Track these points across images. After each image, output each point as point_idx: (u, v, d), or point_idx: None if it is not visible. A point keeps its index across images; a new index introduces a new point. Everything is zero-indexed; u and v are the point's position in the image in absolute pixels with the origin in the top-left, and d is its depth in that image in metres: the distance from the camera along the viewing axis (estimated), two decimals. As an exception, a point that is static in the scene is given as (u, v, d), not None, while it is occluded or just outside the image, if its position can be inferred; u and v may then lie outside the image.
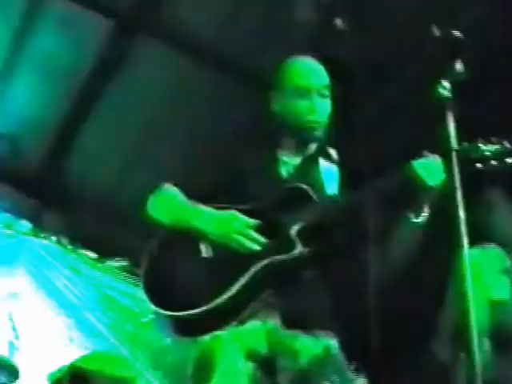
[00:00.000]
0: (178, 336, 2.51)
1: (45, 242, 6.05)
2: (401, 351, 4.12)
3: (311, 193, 2.60)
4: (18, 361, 4.80)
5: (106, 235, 6.05)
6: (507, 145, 2.49)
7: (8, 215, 5.93)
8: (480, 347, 1.95)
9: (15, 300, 5.65)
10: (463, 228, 2.01)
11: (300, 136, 2.76)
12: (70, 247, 6.14)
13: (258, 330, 2.45)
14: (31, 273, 5.88)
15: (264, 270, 2.44)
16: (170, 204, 2.66)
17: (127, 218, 5.68)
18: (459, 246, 2.00)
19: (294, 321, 2.47)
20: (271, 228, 2.51)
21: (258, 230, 2.51)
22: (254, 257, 2.46)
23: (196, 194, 2.64)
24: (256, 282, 2.42)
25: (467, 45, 2.30)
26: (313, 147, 2.79)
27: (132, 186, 5.68)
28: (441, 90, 2.31)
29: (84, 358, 3.78)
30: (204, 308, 2.36)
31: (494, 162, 2.49)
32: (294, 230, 2.49)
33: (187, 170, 2.97)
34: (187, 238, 2.54)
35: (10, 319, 5.53)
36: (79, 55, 4.85)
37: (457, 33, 2.28)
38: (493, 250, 3.44)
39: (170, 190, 2.71)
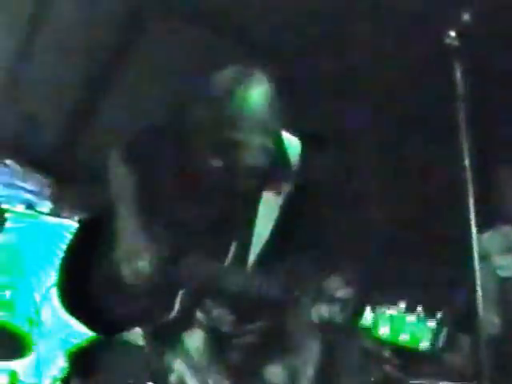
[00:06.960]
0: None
1: (66, 221, 6.08)
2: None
3: None
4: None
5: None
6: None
7: (28, 195, 5.98)
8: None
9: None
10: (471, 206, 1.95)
11: None
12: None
13: None
14: (52, 252, 5.91)
15: None
16: None
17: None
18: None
19: None
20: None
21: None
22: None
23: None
24: None
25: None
26: None
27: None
28: (448, 40, 2.29)
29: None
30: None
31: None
32: (181, 292, 2.44)
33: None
34: None
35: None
36: (97, 31, 4.86)
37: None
38: (502, 231, 3.51)
39: None
